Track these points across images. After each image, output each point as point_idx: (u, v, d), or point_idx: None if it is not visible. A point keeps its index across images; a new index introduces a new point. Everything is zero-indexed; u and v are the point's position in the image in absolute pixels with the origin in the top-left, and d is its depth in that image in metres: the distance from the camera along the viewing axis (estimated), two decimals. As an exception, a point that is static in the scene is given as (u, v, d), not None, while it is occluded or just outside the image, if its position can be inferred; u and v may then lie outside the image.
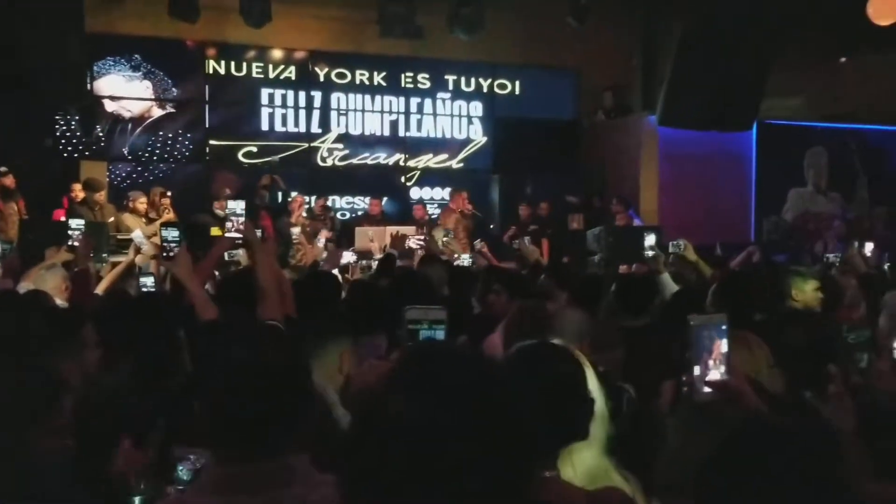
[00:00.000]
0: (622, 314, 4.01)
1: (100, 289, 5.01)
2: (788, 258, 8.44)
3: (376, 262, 7.03)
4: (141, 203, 9.41)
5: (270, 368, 1.67)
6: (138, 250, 5.79)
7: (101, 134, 11.17)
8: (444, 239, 7.64)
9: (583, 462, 1.99)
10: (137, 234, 6.05)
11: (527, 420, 1.21)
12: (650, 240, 5.46)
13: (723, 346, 1.89)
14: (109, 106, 11.23)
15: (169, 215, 9.34)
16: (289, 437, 1.66)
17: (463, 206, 10.73)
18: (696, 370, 1.87)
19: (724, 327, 1.91)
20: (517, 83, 12.84)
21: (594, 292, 4.29)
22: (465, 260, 6.98)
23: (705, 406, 1.85)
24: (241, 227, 3.67)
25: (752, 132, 11.71)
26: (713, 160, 11.62)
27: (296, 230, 9.14)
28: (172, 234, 3.64)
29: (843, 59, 12.30)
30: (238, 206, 3.79)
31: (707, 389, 1.86)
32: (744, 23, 9.88)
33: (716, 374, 1.87)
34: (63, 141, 10.95)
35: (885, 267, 7.56)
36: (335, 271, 6.28)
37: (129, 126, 11.31)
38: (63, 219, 9.20)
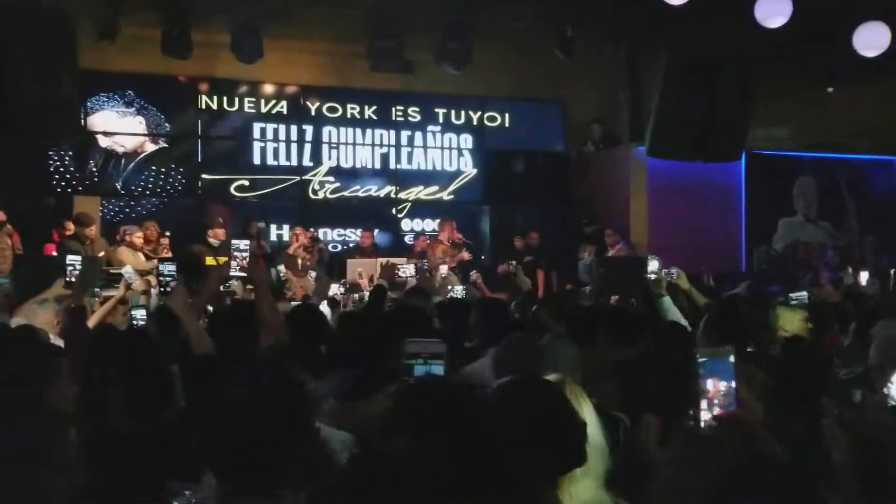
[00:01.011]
0: (614, 345, 4.02)
1: (90, 323, 5.00)
2: (782, 288, 8.47)
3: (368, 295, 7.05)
4: (137, 237, 9.43)
5: (269, 406, 1.67)
6: (129, 286, 5.79)
7: (94, 169, 11.20)
8: (443, 275, 7.62)
9: (580, 495, 1.99)
10: (127, 270, 6.04)
11: (522, 452, 1.23)
12: (653, 265, 5.51)
13: (730, 379, 1.87)
14: (103, 141, 11.27)
15: (167, 254, 9.35)
16: (289, 473, 1.66)
17: (452, 235, 10.75)
18: (704, 403, 1.85)
19: (731, 360, 1.89)
20: (506, 116, 12.94)
21: (588, 324, 4.30)
22: (458, 291, 6.98)
23: (707, 439, 1.83)
24: (246, 264, 3.71)
25: (741, 162, 11.82)
26: (702, 191, 11.71)
27: (281, 267, 9.17)
28: (169, 268, 3.68)
29: (829, 90, 12.47)
30: (242, 243, 3.87)
31: (714, 423, 1.85)
32: (728, 53, 10.03)
33: (723, 407, 1.86)
34: (56, 176, 10.97)
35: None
36: (323, 303, 6.29)
37: (122, 161, 11.34)
38: (54, 253, 9.23)
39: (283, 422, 1.66)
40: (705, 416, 1.85)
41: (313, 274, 8.95)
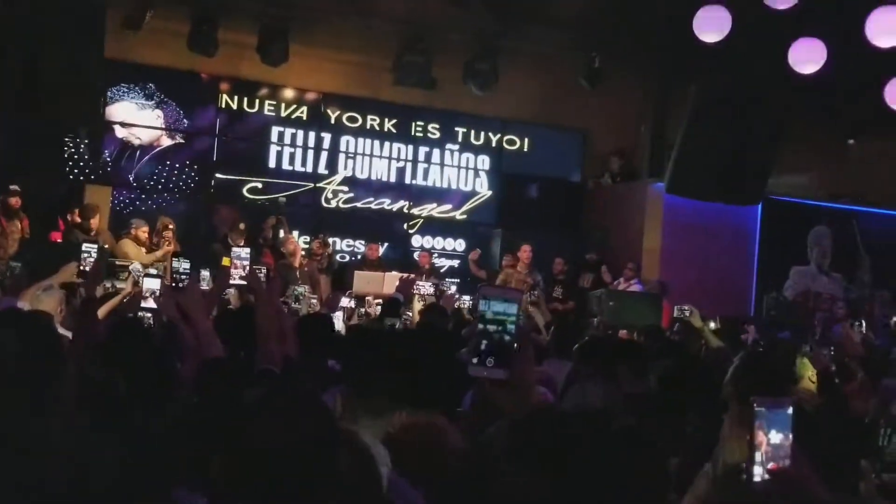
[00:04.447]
0: (632, 380, 3.90)
1: (99, 314, 4.88)
2: (791, 336, 8.37)
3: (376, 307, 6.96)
4: (143, 231, 9.34)
5: (308, 443, 1.60)
6: (136, 282, 5.68)
7: (108, 159, 11.13)
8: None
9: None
10: (135, 267, 5.97)
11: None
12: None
13: (787, 431, 1.78)
14: (119, 132, 11.20)
15: (169, 248, 9.23)
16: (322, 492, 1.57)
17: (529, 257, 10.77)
18: (757, 456, 1.75)
19: (789, 412, 1.80)
20: (526, 140, 12.89)
21: (611, 359, 4.18)
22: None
23: (759, 495, 1.73)
24: (246, 273, 3.66)
25: (758, 207, 11.73)
26: (717, 232, 11.61)
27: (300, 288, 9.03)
28: (184, 265, 3.60)
29: (850, 141, 12.40)
30: (242, 251, 3.83)
31: (767, 477, 1.74)
32: (758, 95, 9.97)
33: (777, 461, 1.76)
34: (70, 163, 10.89)
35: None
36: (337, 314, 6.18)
37: (137, 153, 11.27)
38: (59, 240, 9.16)
39: (313, 444, 1.57)
40: (758, 469, 1.75)
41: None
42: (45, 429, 1.84)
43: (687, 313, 5.81)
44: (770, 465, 1.75)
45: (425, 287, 6.68)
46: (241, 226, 9.82)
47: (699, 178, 10.34)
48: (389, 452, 2.02)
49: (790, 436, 1.78)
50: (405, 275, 6.93)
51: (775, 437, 1.77)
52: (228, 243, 9.35)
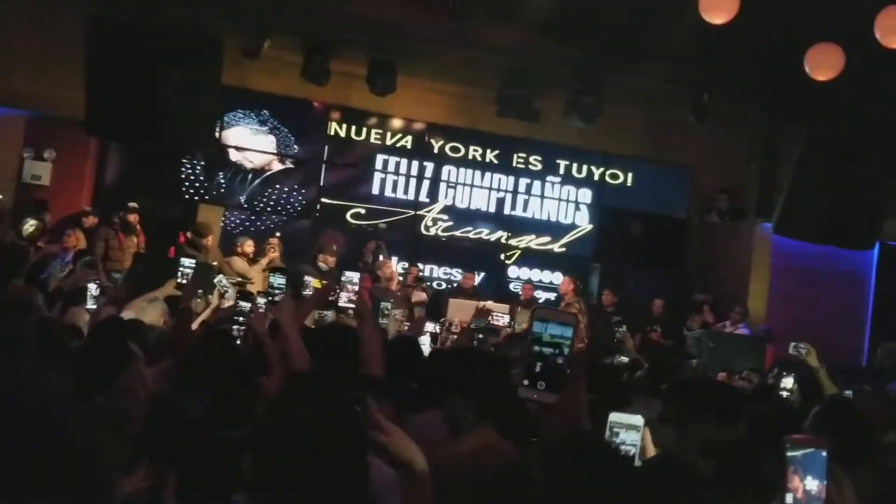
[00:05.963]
0: (718, 425, 3.76)
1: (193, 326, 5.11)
2: (902, 388, 7.91)
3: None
4: (248, 246, 9.73)
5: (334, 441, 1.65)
6: (222, 295, 5.93)
7: (221, 181, 11.65)
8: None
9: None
10: (220, 280, 6.17)
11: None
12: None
13: (821, 476, 1.73)
14: (233, 155, 11.72)
15: (274, 254, 9.61)
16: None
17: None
18: (789, 498, 1.71)
19: (823, 454, 1.74)
20: (629, 175, 12.72)
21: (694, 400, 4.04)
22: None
23: None
24: (356, 297, 3.75)
25: (874, 252, 11.18)
26: (828, 277, 11.12)
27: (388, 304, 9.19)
28: (279, 280, 3.75)
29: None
30: (354, 276, 3.92)
31: None
32: (872, 137, 9.57)
33: None
34: (186, 184, 11.46)
35: None
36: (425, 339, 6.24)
37: (249, 176, 11.76)
38: (171, 257, 9.64)
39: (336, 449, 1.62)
40: None
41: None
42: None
43: (803, 351, 5.47)
44: None
45: (503, 319, 6.67)
46: (335, 247, 10.04)
47: (809, 219, 9.98)
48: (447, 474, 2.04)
49: (825, 481, 1.73)
50: (482, 304, 6.95)
51: (810, 482, 1.73)
52: (317, 264, 9.64)
